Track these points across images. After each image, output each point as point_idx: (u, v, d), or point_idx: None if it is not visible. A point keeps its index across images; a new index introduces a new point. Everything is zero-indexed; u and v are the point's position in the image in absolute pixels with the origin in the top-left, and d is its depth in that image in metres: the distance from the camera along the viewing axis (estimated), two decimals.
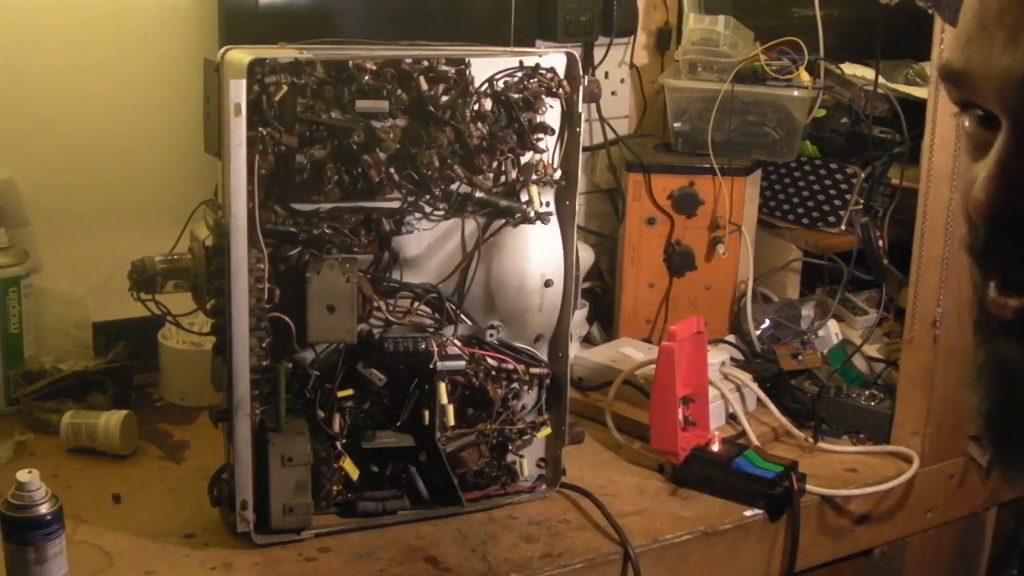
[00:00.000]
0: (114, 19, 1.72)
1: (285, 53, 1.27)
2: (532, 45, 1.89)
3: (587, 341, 1.93)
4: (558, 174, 1.41)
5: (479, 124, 1.35)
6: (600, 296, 2.05)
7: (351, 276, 1.32)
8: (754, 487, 1.50)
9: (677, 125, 1.96)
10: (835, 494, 1.55)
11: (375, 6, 1.79)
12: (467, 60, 1.34)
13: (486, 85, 1.35)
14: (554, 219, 1.42)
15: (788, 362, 1.79)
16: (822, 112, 1.96)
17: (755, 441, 1.63)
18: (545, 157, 1.40)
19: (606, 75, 2.06)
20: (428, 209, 1.36)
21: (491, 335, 1.43)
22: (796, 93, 1.88)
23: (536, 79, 1.37)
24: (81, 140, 1.74)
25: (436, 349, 1.38)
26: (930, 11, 1.49)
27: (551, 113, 1.39)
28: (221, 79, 1.25)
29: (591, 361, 1.80)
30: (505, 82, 1.36)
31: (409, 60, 1.31)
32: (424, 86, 1.31)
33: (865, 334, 1.88)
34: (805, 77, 1.88)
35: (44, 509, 1.19)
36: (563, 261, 1.43)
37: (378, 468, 1.42)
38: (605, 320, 2.00)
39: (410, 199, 1.35)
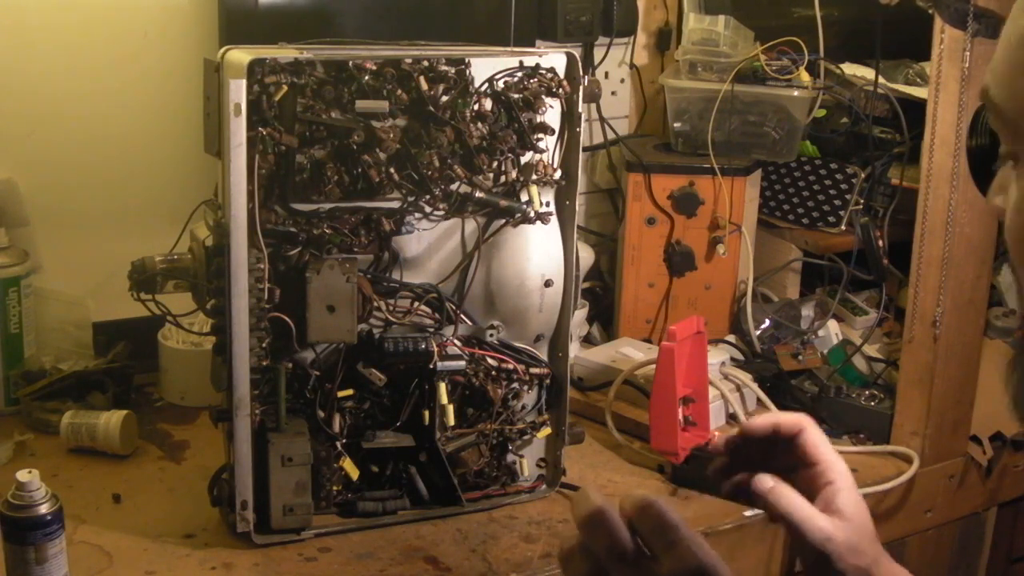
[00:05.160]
0: (114, 19, 1.72)
1: (285, 53, 1.27)
2: (532, 45, 1.89)
3: (587, 341, 1.93)
4: (558, 174, 1.41)
5: (479, 124, 1.35)
6: (600, 296, 2.05)
7: (351, 276, 1.32)
8: None
9: (677, 125, 1.96)
10: None
11: (375, 6, 1.79)
12: (467, 60, 1.34)
13: (486, 85, 1.35)
14: (554, 219, 1.43)
15: (788, 362, 1.79)
16: (822, 112, 1.96)
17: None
18: (545, 157, 1.40)
19: (606, 75, 2.06)
20: (428, 209, 1.36)
21: (491, 335, 1.43)
22: (796, 93, 1.88)
23: (536, 79, 1.37)
24: (81, 140, 1.74)
25: (436, 349, 1.38)
26: (930, 11, 1.50)
27: (551, 113, 1.39)
28: (221, 79, 1.25)
29: (591, 361, 1.80)
30: (505, 82, 1.36)
31: (409, 60, 1.31)
32: (424, 86, 1.31)
33: (865, 334, 1.88)
34: (805, 77, 1.88)
35: (44, 509, 1.19)
36: (563, 261, 1.43)
37: (378, 468, 1.42)
38: (605, 320, 2.00)
39: (410, 199, 1.35)
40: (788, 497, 0.99)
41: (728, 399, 1.68)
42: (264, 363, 1.32)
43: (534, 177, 1.39)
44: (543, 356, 1.47)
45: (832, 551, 0.99)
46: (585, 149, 1.93)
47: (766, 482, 1.00)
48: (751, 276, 1.91)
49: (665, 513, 0.77)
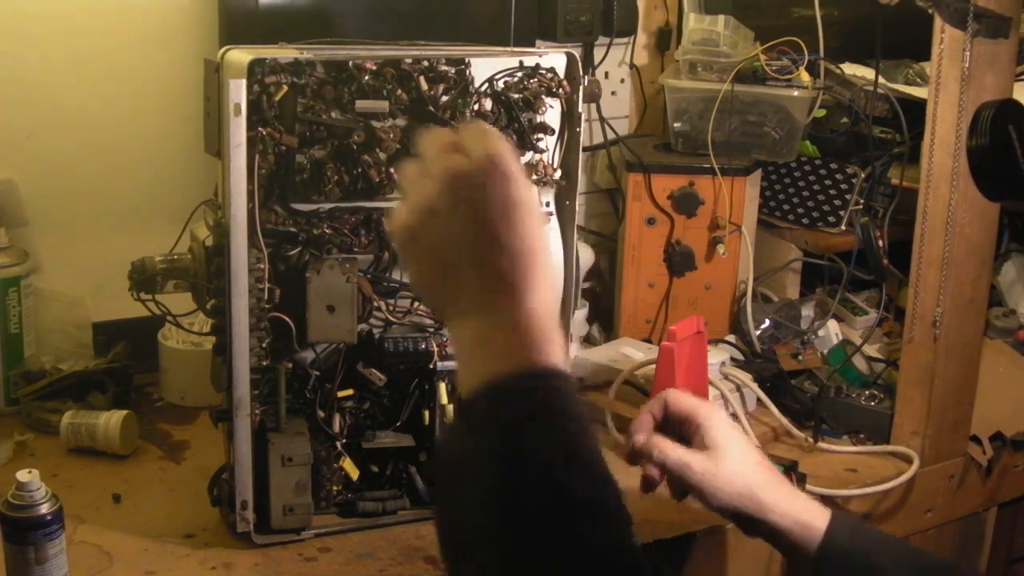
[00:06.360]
0: (114, 19, 1.72)
1: (285, 53, 1.27)
2: (532, 45, 1.89)
3: (587, 341, 1.93)
4: (558, 174, 1.41)
5: None
6: (600, 296, 2.05)
7: (351, 276, 1.32)
8: None
9: (677, 125, 1.96)
10: (835, 494, 1.55)
11: (375, 6, 1.79)
12: (467, 60, 1.34)
13: (486, 85, 1.35)
14: (554, 219, 1.43)
15: (788, 362, 1.79)
16: (822, 112, 1.96)
17: (755, 441, 1.63)
18: (545, 157, 1.40)
19: (606, 75, 2.06)
20: None
21: None
22: (796, 93, 1.88)
23: (536, 79, 1.37)
24: (81, 140, 1.74)
25: (436, 349, 1.38)
26: (930, 11, 1.50)
27: (551, 113, 1.39)
28: (221, 79, 1.25)
29: (591, 361, 1.80)
30: (505, 82, 1.36)
31: (409, 60, 1.31)
32: (424, 86, 1.31)
33: (865, 334, 1.88)
34: (805, 77, 1.88)
35: (44, 509, 1.19)
36: (563, 261, 1.43)
37: (378, 468, 1.42)
38: (605, 320, 2.00)
39: None
40: (659, 445, 1.04)
41: (728, 399, 1.68)
42: (264, 363, 1.32)
43: (534, 177, 1.39)
44: None
45: (703, 482, 1.05)
46: (585, 149, 1.93)
47: (639, 438, 1.05)
48: (751, 276, 1.91)
49: (488, 126, 0.82)
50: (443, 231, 0.80)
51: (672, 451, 1.07)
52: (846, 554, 1.06)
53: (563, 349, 0.80)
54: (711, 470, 1.06)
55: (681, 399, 1.09)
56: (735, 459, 1.07)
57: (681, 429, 1.10)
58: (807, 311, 1.95)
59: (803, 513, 1.08)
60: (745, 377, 1.75)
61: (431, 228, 0.81)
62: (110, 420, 1.54)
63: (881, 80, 1.89)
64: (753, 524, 1.09)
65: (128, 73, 1.74)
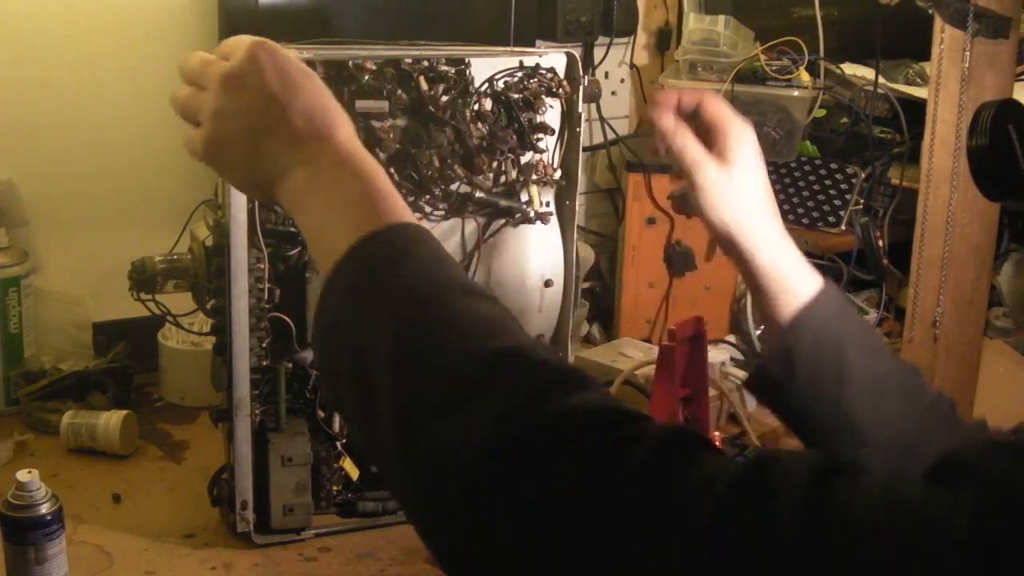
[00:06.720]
0: (114, 19, 1.72)
1: None
2: (532, 45, 1.89)
3: (587, 341, 1.93)
4: (558, 174, 1.41)
5: (479, 124, 1.35)
6: (600, 296, 2.05)
7: None
8: None
9: None
10: None
11: (375, 6, 1.79)
12: (467, 60, 1.34)
13: (486, 85, 1.35)
14: (554, 219, 1.43)
15: None
16: (822, 112, 1.96)
17: (755, 441, 1.63)
18: (545, 157, 1.40)
19: (606, 75, 2.06)
20: (428, 209, 1.36)
21: None
22: (796, 93, 1.88)
23: (536, 79, 1.37)
24: (81, 140, 1.74)
25: None
26: (930, 11, 1.50)
27: (551, 113, 1.39)
28: None
29: (591, 361, 1.80)
30: (505, 82, 1.36)
31: (409, 60, 1.31)
32: (424, 86, 1.31)
33: None
34: (805, 77, 1.88)
35: (44, 509, 1.19)
36: (563, 261, 1.43)
37: None
38: (605, 320, 2.00)
39: (410, 199, 1.35)
40: (682, 137, 1.02)
41: (728, 399, 1.68)
42: (264, 363, 1.32)
43: (534, 177, 1.39)
44: None
45: (710, 189, 1.03)
46: (585, 149, 1.93)
47: (667, 121, 1.03)
48: None
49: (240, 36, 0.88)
50: (237, 127, 0.85)
51: (693, 147, 1.03)
52: (817, 336, 1.00)
53: (388, 182, 0.85)
54: (723, 180, 1.02)
55: (718, 106, 1.05)
56: (749, 181, 1.04)
57: (706, 133, 1.06)
58: None
59: (793, 269, 1.04)
60: (745, 377, 1.74)
61: (225, 131, 0.86)
62: (110, 420, 1.54)
63: (881, 80, 1.90)
64: (739, 257, 1.05)
65: (128, 73, 1.74)
